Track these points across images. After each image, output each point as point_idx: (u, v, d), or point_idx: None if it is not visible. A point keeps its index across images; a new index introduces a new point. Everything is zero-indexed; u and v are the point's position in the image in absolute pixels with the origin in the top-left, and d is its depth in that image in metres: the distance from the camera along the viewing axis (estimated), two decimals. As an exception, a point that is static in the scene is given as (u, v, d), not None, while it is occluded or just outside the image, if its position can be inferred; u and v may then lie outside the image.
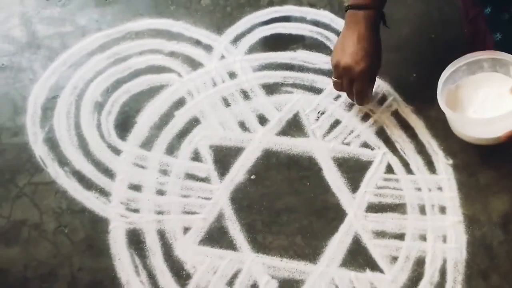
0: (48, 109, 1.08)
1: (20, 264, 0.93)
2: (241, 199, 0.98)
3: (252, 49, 1.16)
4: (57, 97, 1.09)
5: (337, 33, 1.17)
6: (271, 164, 1.02)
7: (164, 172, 1.01)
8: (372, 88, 1.02)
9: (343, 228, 0.95)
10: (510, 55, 0.94)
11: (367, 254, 0.93)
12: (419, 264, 0.92)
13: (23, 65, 1.14)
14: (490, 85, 0.97)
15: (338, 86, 1.01)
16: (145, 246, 0.94)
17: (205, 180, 1.00)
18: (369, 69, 0.96)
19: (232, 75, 1.12)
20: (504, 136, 0.91)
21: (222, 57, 1.15)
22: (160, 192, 0.99)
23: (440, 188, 0.99)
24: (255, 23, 1.20)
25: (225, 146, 1.04)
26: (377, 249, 0.94)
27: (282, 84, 1.11)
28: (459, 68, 0.98)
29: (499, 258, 0.93)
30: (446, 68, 0.98)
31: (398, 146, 1.03)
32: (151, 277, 0.91)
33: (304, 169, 1.01)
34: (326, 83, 1.10)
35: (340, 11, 1.20)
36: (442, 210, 0.97)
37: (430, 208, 0.97)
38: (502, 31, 1.02)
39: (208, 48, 1.16)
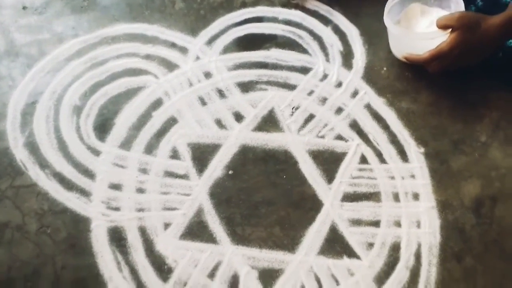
0: (27, 114, 1.09)
1: (4, 265, 0.93)
2: (219, 194, 1.00)
3: (226, 49, 1.18)
4: (36, 102, 1.10)
5: (309, 31, 1.20)
6: (248, 159, 1.04)
7: (144, 171, 1.02)
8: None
9: (320, 217, 0.97)
10: None
11: (344, 242, 0.96)
12: (395, 249, 0.95)
13: (2, 73, 1.15)
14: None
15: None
16: (126, 243, 0.95)
17: (184, 177, 1.02)
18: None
19: (208, 75, 1.14)
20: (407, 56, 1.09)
21: (197, 58, 1.17)
22: (140, 190, 1.00)
23: (413, 176, 1.02)
24: (228, 24, 1.22)
25: (203, 144, 1.05)
26: (353, 236, 0.96)
27: (257, 82, 1.13)
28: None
29: (471, 241, 0.95)
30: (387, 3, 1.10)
31: (371, 137, 1.06)
32: (134, 272, 0.92)
33: (280, 162, 1.03)
34: (300, 79, 1.13)
35: (311, 10, 1.23)
36: (416, 196, 1.00)
37: (404, 195, 1.00)
38: None
39: (183, 50, 1.18)
